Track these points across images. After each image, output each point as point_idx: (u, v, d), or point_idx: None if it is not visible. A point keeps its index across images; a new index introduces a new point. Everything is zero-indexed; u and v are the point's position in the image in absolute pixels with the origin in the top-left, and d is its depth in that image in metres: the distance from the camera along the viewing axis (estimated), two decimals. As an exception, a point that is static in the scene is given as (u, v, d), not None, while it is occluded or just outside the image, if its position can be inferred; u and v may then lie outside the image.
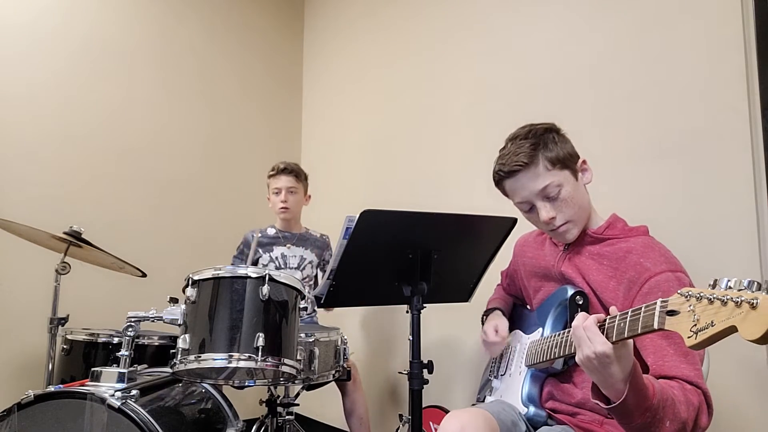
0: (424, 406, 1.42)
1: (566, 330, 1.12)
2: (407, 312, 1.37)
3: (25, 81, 2.39)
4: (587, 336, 0.90)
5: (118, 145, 2.63)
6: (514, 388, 1.29)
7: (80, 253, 1.97)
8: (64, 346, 1.81)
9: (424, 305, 1.37)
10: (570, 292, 1.19)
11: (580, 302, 1.18)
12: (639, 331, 0.84)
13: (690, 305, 0.75)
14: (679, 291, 0.77)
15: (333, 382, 1.95)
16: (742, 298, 0.66)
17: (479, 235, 1.41)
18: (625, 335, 0.87)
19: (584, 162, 1.25)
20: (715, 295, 0.70)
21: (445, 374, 2.23)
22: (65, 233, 1.82)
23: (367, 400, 2.21)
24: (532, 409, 1.22)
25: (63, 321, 1.85)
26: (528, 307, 1.47)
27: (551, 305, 1.25)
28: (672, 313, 0.78)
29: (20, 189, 2.34)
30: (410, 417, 1.35)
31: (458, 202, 2.28)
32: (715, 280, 0.73)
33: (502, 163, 1.23)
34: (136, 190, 2.68)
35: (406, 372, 1.36)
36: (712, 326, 0.70)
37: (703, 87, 1.56)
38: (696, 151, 1.56)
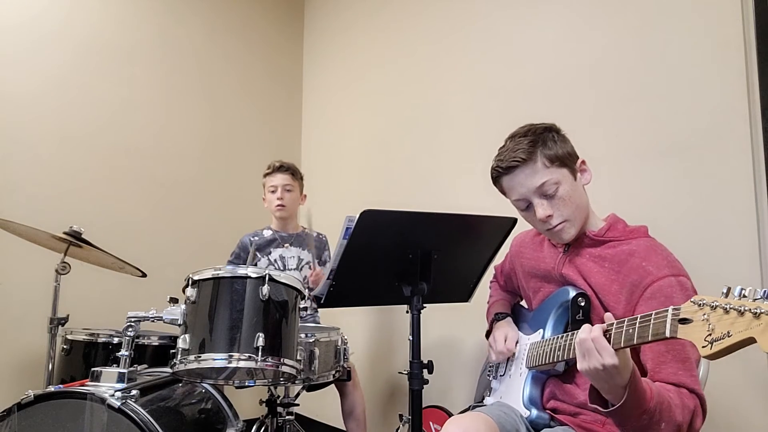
0: (424, 406, 1.42)
1: (568, 333, 1.12)
2: (407, 312, 1.37)
3: (25, 81, 2.39)
4: (596, 348, 0.90)
5: (118, 145, 2.63)
6: (515, 390, 1.28)
7: (80, 253, 1.97)
8: (64, 346, 1.81)
9: (424, 305, 1.37)
10: (572, 293, 1.18)
11: (582, 304, 1.17)
12: (649, 339, 0.83)
13: (704, 314, 0.73)
14: (692, 299, 0.76)
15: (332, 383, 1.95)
16: (762, 310, 0.65)
17: (479, 235, 1.41)
18: (634, 341, 0.85)
19: (583, 162, 1.24)
20: (730, 305, 0.69)
21: (445, 374, 2.23)
22: (65, 233, 1.82)
23: (367, 400, 2.21)
24: (534, 412, 1.21)
25: (63, 321, 1.86)
26: (526, 306, 1.47)
27: (552, 306, 1.24)
28: (684, 321, 0.76)
29: (20, 189, 2.34)
30: (410, 417, 1.35)
31: (458, 202, 2.28)
32: (728, 289, 0.72)
33: (500, 159, 1.22)
34: (136, 190, 2.68)
35: (406, 372, 1.36)
36: (729, 336, 0.69)
37: (703, 87, 1.56)
38: (696, 151, 1.56)
